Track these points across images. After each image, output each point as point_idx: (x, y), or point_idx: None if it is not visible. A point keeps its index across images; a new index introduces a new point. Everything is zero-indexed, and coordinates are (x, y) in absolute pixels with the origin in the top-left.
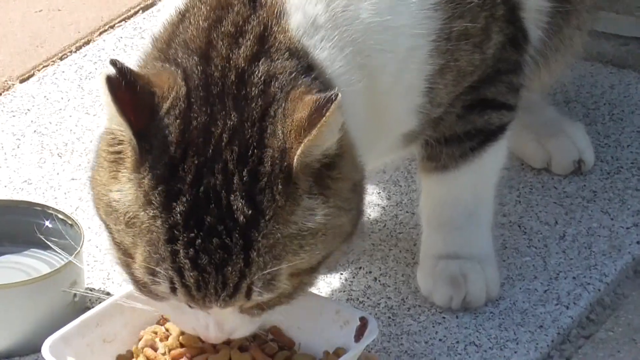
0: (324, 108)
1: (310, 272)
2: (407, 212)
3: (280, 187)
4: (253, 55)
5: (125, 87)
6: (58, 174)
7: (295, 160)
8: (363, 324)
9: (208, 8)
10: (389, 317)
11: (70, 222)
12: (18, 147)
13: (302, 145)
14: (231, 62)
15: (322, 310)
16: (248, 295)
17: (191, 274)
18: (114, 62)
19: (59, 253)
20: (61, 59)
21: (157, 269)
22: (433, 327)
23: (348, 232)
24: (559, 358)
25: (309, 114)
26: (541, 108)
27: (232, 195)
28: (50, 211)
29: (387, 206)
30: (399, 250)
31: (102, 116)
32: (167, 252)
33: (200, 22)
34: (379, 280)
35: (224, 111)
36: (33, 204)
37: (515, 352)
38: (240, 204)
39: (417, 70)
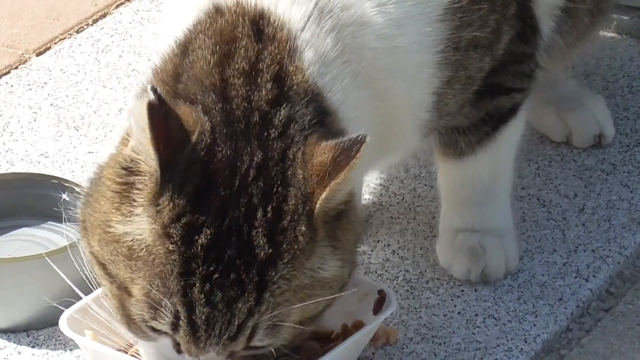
0: (353, 149)
1: (310, 323)
2: (425, 185)
3: (302, 229)
4: (274, 98)
5: (162, 117)
6: (75, 147)
7: (318, 204)
8: (381, 297)
9: (213, 41)
10: (408, 290)
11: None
12: (35, 120)
13: (328, 189)
14: (253, 103)
15: None
16: (250, 338)
17: (203, 309)
18: (154, 90)
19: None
20: (78, 32)
21: (162, 303)
22: (452, 300)
23: (345, 285)
24: (578, 331)
25: (334, 157)
26: (561, 81)
27: (254, 231)
28: (67, 184)
29: (405, 179)
30: (418, 224)
31: (107, 144)
32: (179, 286)
33: (208, 57)
34: (398, 253)
35: (249, 148)
36: (50, 177)
37: (534, 325)
38: (261, 241)
39: (425, 85)
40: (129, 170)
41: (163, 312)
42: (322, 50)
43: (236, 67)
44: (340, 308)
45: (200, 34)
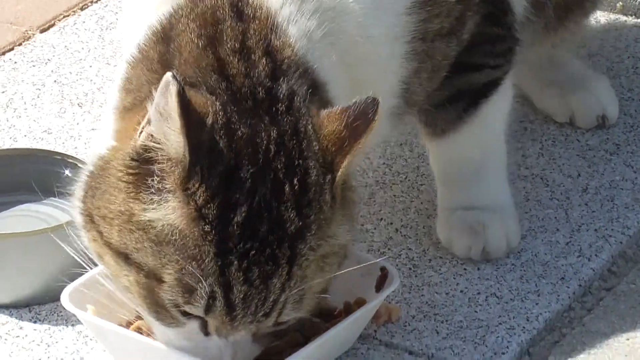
0: (369, 112)
1: (325, 292)
2: (428, 164)
3: (326, 198)
4: (272, 73)
5: (187, 104)
6: (78, 123)
7: (340, 172)
8: (384, 274)
9: (196, 24)
10: (410, 269)
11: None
12: (38, 97)
13: (350, 155)
14: (254, 79)
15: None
16: (280, 313)
17: (241, 288)
18: (174, 77)
19: None
20: (82, 9)
21: (198, 285)
22: (454, 278)
23: (345, 256)
24: (580, 310)
25: (349, 123)
26: (565, 62)
27: (283, 205)
28: (70, 160)
29: (409, 158)
30: (421, 202)
31: (101, 137)
32: (216, 266)
33: (195, 40)
34: (400, 232)
35: (262, 124)
36: (53, 153)
37: (537, 304)
38: (291, 214)
39: (395, 74)
40: (142, 160)
41: (198, 295)
42: (307, 29)
43: (228, 46)
44: (342, 285)
45: (182, 19)
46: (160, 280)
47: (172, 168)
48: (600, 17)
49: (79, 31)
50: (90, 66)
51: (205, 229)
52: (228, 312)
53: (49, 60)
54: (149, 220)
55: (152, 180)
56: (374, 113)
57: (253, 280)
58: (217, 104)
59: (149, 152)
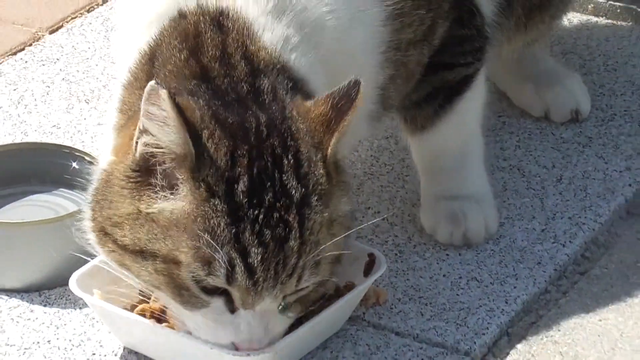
0: (352, 93)
1: (336, 262)
2: None
3: (321, 172)
4: (251, 72)
5: (177, 105)
6: (85, 119)
7: (329, 149)
8: (372, 260)
9: (178, 40)
10: (396, 254)
11: (96, 164)
12: (48, 94)
13: (337, 132)
14: (235, 78)
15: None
16: (300, 276)
17: (257, 250)
18: (158, 83)
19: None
20: (88, 11)
21: (215, 255)
22: (437, 263)
23: (352, 226)
24: (556, 293)
25: (333, 104)
26: (540, 59)
27: (285, 175)
28: (77, 153)
29: (395, 150)
30: (406, 192)
31: (103, 153)
32: (230, 234)
33: (177, 54)
34: (387, 220)
35: (250, 111)
36: (62, 147)
37: (515, 287)
38: (294, 183)
39: (371, 81)
40: (141, 169)
41: (218, 264)
42: (283, 35)
43: (209, 54)
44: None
45: (165, 38)
46: (177, 262)
47: (180, 162)
48: (573, 17)
49: (85, 32)
50: (97, 65)
51: (216, 204)
52: (250, 277)
53: (57, 59)
54: (157, 212)
55: (156, 180)
56: (356, 93)
57: (267, 242)
58: (200, 101)
59: (149, 159)
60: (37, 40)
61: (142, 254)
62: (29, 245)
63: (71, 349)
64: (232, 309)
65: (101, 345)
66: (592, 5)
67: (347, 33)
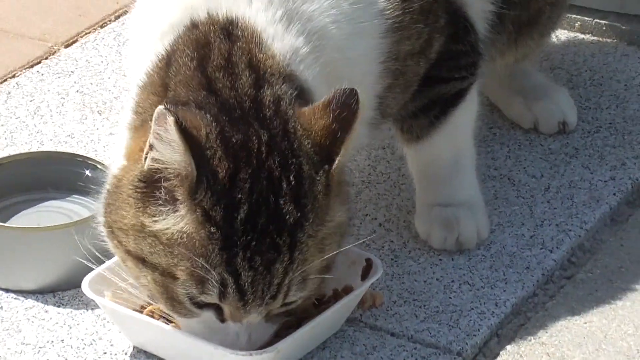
0: (351, 103)
1: (328, 269)
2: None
3: (320, 188)
4: (254, 82)
5: (184, 128)
6: (98, 129)
7: (336, 161)
8: (368, 264)
9: (192, 49)
10: (392, 259)
11: (108, 168)
12: (62, 105)
13: (345, 144)
14: (239, 90)
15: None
16: (287, 294)
17: (248, 274)
18: (168, 109)
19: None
20: (102, 27)
21: (209, 276)
22: (431, 268)
23: (347, 231)
24: (543, 296)
25: (336, 116)
26: (529, 74)
27: (281, 200)
28: (90, 162)
29: (391, 160)
30: (402, 200)
31: (116, 152)
32: (222, 259)
33: (188, 63)
34: (384, 226)
35: (253, 129)
36: (75, 155)
37: (504, 291)
38: (289, 207)
39: (371, 89)
40: (149, 181)
41: (210, 284)
42: (293, 45)
43: (214, 64)
44: (332, 274)
45: (180, 45)
46: (174, 277)
47: (181, 182)
48: (560, 34)
49: (99, 46)
50: (109, 78)
51: (212, 230)
52: (240, 297)
53: (72, 72)
54: (160, 229)
55: (160, 194)
56: (355, 103)
57: (257, 267)
58: (208, 116)
59: (155, 174)
60: (53, 54)
61: (143, 262)
62: (44, 249)
63: (83, 348)
64: (222, 320)
65: (112, 345)
66: (579, 23)
67: (349, 43)
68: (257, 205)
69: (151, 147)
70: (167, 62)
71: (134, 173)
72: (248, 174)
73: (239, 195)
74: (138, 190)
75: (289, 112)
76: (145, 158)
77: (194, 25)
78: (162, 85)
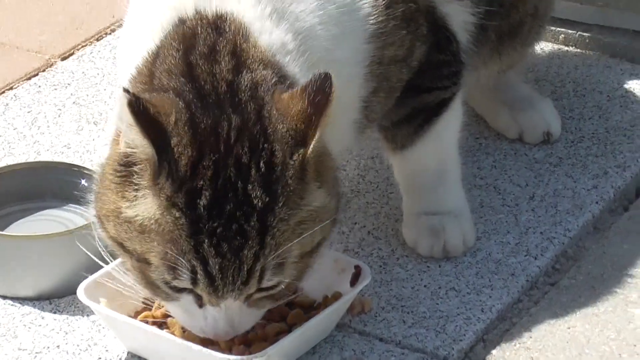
0: (325, 87)
1: (311, 255)
2: None
3: (294, 173)
4: (234, 67)
5: (142, 109)
6: (93, 139)
7: (311, 146)
8: (357, 271)
9: (178, 42)
10: (380, 266)
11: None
12: (59, 116)
13: (319, 128)
14: (216, 75)
15: (322, 260)
16: (260, 279)
17: (215, 260)
18: (126, 91)
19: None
20: (98, 39)
21: (178, 263)
22: (419, 274)
23: (334, 217)
24: (528, 302)
25: (310, 100)
26: (514, 85)
27: (250, 185)
28: (86, 172)
29: (380, 169)
30: (390, 208)
31: (102, 149)
32: (190, 245)
33: (174, 53)
34: (372, 234)
35: (224, 114)
36: (72, 165)
37: (490, 297)
38: (257, 192)
39: (356, 92)
40: (126, 164)
41: (181, 270)
42: (281, 40)
43: (198, 52)
44: (321, 281)
45: (167, 40)
46: (148, 263)
47: (145, 167)
48: (545, 47)
49: (95, 59)
50: (105, 89)
51: (177, 215)
52: (210, 283)
53: (68, 84)
54: (134, 215)
55: (135, 178)
56: (329, 87)
57: (224, 253)
58: (181, 103)
59: (129, 157)
60: (50, 67)
61: (123, 247)
62: (40, 257)
63: (79, 354)
64: (200, 304)
65: (107, 350)
66: (563, 35)
67: (335, 45)
68: (224, 192)
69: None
70: (155, 55)
71: (114, 158)
72: (212, 160)
73: (201, 182)
74: (117, 174)
75: (265, 97)
76: (122, 140)
77: (181, 22)
78: (149, 75)
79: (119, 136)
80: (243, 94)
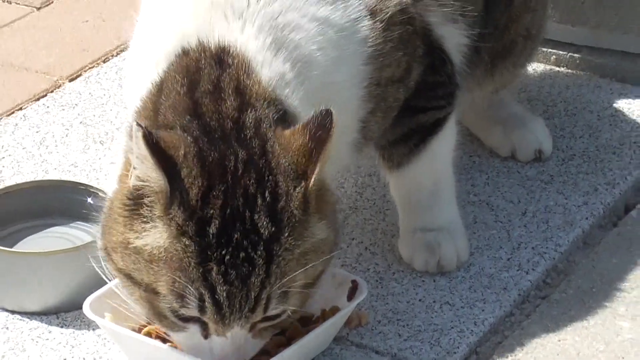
0: (326, 123)
1: (312, 286)
2: None
3: (298, 204)
4: (239, 106)
5: (155, 144)
6: (100, 158)
7: (312, 179)
8: (354, 286)
9: (182, 75)
10: (377, 281)
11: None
12: (67, 135)
13: (320, 162)
14: (223, 113)
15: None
16: (266, 307)
17: (223, 288)
18: (139, 125)
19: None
20: (104, 61)
21: (186, 291)
22: (414, 289)
23: (334, 249)
24: (520, 315)
25: (312, 135)
26: (507, 105)
27: (256, 215)
28: (92, 190)
29: (376, 187)
30: (386, 224)
31: (109, 184)
32: (198, 272)
33: (178, 88)
34: (369, 249)
35: (231, 149)
36: (79, 184)
37: (483, 310)
38: (264, 222)
39: (354, 113)
40: (135, 197)
41: (189, 298)
42: (280, 71)
43: (202, 89)
44: (319, 295)
45: (171, 72)
46: (156, 293)
47: (157, 198)
48: (537, 67)
49: (101, 80)
50: (111, 110)
51: (187, 243)
52: (218, 311)
53: (76, 105)
54: (142, 245)
55: (144, 210)
56: (330, 123)
57: (232, 280)
58: (189, 138)
59: (140, 190)
60: (58, 88)
61: (130, 278)
62: (48, 273)
63: None
64: (206, 335)
65: None
66: (555, 56)
67: (334, 69)
68: (232, 220)
69: (134, 165)
70: (160, 88)
71: (123, 192)
72: (221, 190)
73: (211, 211)
74: (126, 208)
75: (268, 134)
76: (131, 175)
77: (185, 53)
78: (153, 110)
79: (128, 170)
80: (248, 131)
